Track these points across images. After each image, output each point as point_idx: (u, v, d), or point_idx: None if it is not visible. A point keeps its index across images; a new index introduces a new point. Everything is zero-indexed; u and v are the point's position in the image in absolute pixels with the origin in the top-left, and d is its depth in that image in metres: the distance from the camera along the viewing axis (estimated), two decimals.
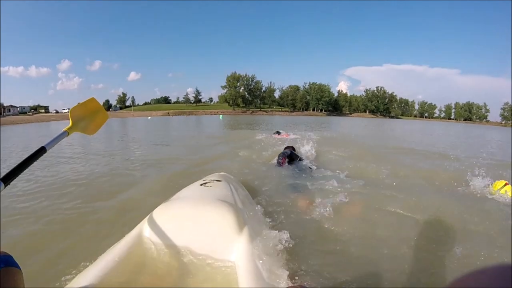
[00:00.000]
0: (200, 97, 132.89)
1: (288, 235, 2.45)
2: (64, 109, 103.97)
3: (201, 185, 2.42)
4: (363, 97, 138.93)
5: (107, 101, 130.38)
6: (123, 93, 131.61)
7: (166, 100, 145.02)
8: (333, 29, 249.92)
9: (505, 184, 4.71)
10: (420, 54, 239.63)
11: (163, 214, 1.79)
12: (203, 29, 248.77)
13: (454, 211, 3.87)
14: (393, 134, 23.98)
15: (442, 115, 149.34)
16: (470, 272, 0.41)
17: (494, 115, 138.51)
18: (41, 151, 1.31)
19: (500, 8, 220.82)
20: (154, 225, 1.74)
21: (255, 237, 1.79)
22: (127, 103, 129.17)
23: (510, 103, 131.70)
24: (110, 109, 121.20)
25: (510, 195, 4.51)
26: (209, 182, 2.49)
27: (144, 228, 1.75)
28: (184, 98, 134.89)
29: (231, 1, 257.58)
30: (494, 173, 5.42)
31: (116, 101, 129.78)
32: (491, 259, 2.72)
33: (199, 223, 1.72)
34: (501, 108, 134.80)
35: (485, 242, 3.05)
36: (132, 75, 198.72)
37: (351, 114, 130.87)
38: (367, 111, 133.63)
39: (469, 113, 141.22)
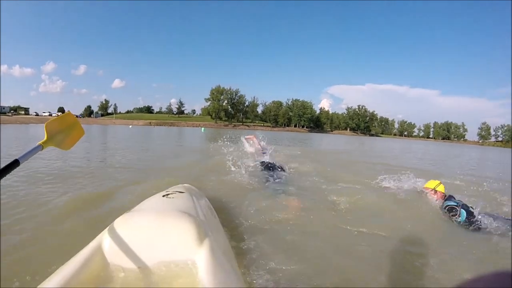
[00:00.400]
0: (183, 109, 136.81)
1: (249, 246, 2.75)
2: (45, 112, 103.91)
3: (164, 196, 2.42)
4: (344, 115, 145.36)
5: (89, 107, 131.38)
6: (105, 100, 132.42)
7: (148, 110, 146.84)
8: (319, 48, 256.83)
9: (439, 184, 5.10)
10: (402, 75, 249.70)
11: (123, 225, 1.79)
12: (191, 41, 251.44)
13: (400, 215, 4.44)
14: (374, 151, 24.71)
15: (421, 134, 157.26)
16: (469, 278, 0.42)
17: (472, 135, 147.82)
18: (15, 164, 1.28)
19: (481, 32, 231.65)
20: (114, 237, 1.73)
21: (216, 248, 1.84)
22: (109, 110, 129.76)
23: (487, 123, 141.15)
24: (92, 115, 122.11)
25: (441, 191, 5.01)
26: (171, 194, 2.50)
27: (104, 240, 1.74)
28: (167, 108, 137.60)
29: (220, 16, 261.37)
30: (476, 189, 6.22)
31: (98, 108, 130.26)
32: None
33: (159, 235, 1.74)
34: (479, 128, 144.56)
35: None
36: (116, 83, 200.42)
37: (332, 131, 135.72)
38: (348, 129, 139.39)
39: (447, 132, 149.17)
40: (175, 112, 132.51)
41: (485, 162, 21.04)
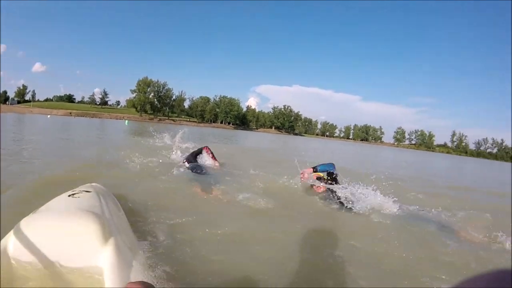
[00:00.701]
0: (107, 99, 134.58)
1: (160, 242, 2.91)
2: None
3: (69, 196, 2.38)
4: (270, 114, 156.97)
5: (5, 92, 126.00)
6: (23, 86, 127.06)
7: (69, 99, 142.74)
8: (250, 47, 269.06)
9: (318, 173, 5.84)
10: (328, 79, 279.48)
11: (28, 227, 1.74)
12: (118, 30, 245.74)
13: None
14: (298, 150, 25.57)
15: (341, 135, 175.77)
16: (468, 277, 0.43)
17: (388, 137, 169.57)
18: None
19: (400, 44, 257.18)
20: (19, 239, 1.69)
21: (123, 246, 1.89)
22: (27, 97, 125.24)
23: (402, 127, 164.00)
24: (7, 102, 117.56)
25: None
26: (77, 193, 2.45)
27: (9, 242, 1.69)
28: (89, 98, 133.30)
29: (151, 8, 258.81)
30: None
31: (14, 94, 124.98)
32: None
33: (64, 236, 1.73)
34: (395, 132, 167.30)
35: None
36: (37, 67, 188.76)
37: (257, 129, 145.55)
38: (273, 127, 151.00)
39: (366, 134, 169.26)
40: (98, 103, 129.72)
41: (400, 162, 24.14)
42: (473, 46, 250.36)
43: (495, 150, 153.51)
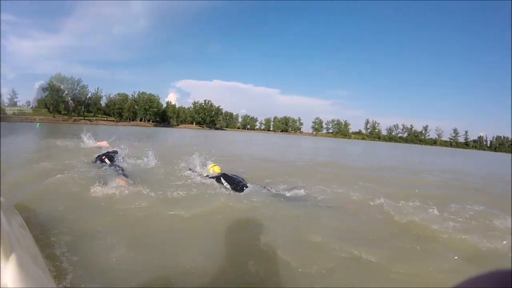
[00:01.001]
0: (16, 100, 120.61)
1: (62, 252, 2.89)
2: None
3: None
4: (191, 109, 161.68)
5: None
6: None
7: None
8: (169, 41, 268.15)
9: (214, 165, 7.08)
10: (248, 74, 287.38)
11: None
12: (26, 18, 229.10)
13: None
14: (220, 145, 27.17)
15: (262, 127, 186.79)
16: (469, 278, 0.44)
17: (307, 127, 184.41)
18: None
19: (312, 41, 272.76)
20: None
21: (26, 260, 1.84)
22: None
23: (320, 118, 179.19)
24: None
25: (218, 171, 6.85)
26: None
27: None
28: None
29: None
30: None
31: None
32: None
33: None
34: (313, 122, 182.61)
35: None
36: None
37: (178, 125, 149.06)
38: (194, 123, 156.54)
39: (285, 125, 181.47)
40: (6, 104, 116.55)
41: (320, 150, 27.57)
42: (382, 41, 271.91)
43: (405, 135, 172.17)
